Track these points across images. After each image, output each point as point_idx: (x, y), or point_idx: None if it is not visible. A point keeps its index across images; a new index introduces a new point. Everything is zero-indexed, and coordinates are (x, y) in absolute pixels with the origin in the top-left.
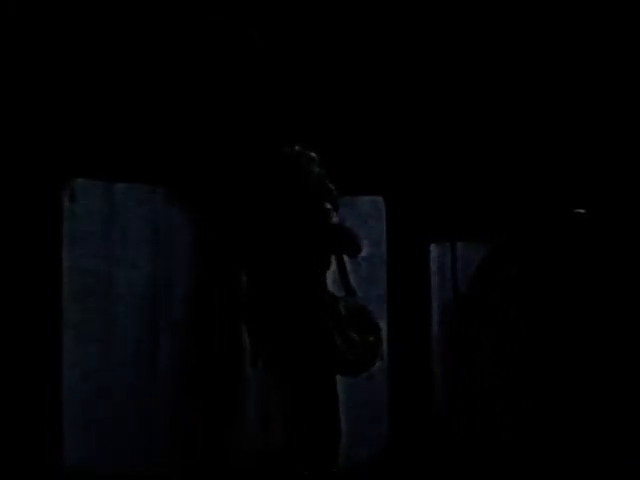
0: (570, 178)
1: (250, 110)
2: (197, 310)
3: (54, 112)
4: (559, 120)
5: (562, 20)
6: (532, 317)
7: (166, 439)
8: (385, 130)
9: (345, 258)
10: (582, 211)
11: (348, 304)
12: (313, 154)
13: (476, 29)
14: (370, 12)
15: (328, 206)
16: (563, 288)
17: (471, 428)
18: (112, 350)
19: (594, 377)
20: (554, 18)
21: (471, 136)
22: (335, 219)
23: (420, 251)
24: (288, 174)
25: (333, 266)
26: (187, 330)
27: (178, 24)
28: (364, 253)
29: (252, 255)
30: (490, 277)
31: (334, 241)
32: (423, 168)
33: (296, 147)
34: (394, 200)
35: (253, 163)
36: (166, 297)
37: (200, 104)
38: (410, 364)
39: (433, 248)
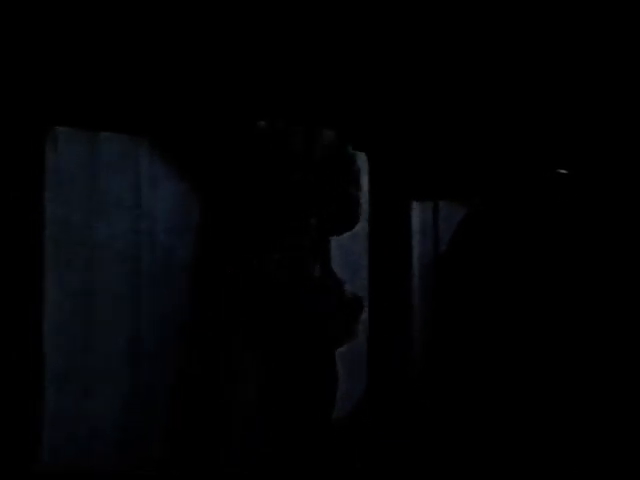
0: (553, 139)
1: (238, 64)
2: (179, 263)
3: (36, 60)
4: (542, 81)
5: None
6: (511, 278)
7: (147, 395)
8: (369, 87)
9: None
10: (564, 171)
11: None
12: (355, 151)
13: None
14: None
15: (358, 194)
16: (543, 250)
17: (447, 387)
18: (93, 300)
19: (570, 343)
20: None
21: (455, 95)
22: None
23: (402, 209)
24: (330, 165)
25: None
26: (169, 283)
27: None
28: None
29: (242, 229)
30: (469, 237)
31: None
32: (407, 126)
33: (335, 138)
34: (377, 156)
35: (256, 134)
36: (149, 248)
37: (190, 53)
38: (390, 321)
39: (415, 206)
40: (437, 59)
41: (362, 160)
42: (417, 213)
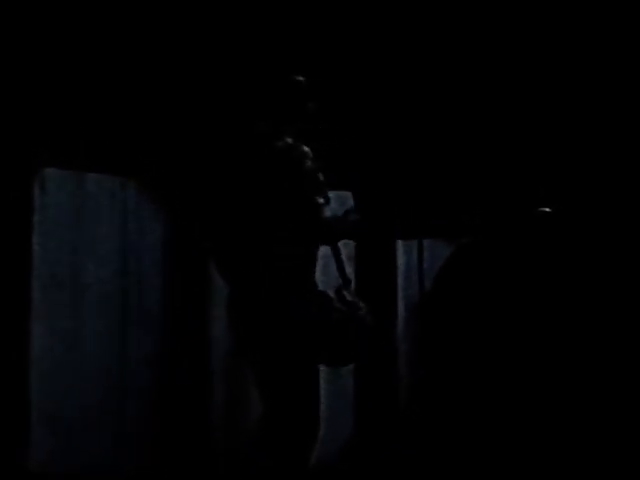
0: (536, 177)
1: (222, 100)
2: (167, 303)
3: (24, 101)
4: (525, 119)
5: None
6: (496, 315)
7: (135, 434)
8: (355, 127)
9: (340, 249)
10: (547, 210)
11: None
12: (306, 148)
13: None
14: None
15: (320, 201)
16: (528, 287)
17: (436, 426)
18: (80, 341)
19: (553, 374)
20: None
21: (440, 134)
22: (327, 213)
23: (387, 247)
24: (280, 168)
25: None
26: (156, 323)
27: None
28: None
29: (231, 252)
30: (454, 275)
31: (326, 235)
32: (392, 165)
33: (288, 140)
34: (362, 196)
35: (240, 156)
36: (136, 289)
37: (174, 93)
38: (375, 361)
39: (400, 245)
40: (423, 103)
41: (348, 199)
42: (402, 251)
